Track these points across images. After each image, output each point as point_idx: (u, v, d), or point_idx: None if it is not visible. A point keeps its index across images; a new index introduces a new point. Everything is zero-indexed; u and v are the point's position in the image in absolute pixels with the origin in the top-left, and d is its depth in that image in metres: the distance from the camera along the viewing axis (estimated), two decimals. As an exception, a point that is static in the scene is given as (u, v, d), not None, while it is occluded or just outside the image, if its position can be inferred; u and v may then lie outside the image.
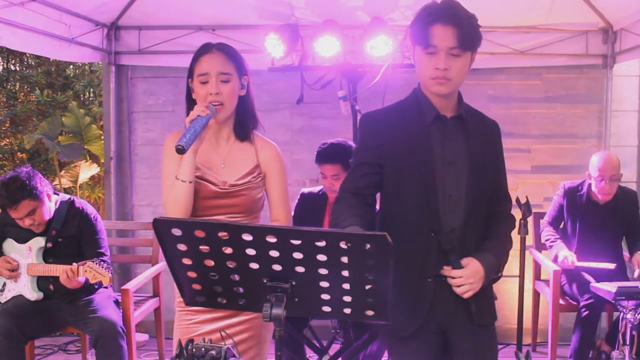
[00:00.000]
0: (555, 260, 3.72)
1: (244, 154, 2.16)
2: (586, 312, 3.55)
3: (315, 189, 3.62)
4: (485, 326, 2.05)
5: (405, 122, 2.00)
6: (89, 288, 3.28)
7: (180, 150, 1.88)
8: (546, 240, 3.89)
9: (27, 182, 3.10)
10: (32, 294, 3.26)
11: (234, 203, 2.10)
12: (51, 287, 3.27)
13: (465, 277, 1.92)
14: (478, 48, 1.96)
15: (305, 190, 3.64)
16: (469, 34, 1.88)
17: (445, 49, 1.88)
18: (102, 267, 3.09)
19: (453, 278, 1.94)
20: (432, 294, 1.97)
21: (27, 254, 3.26)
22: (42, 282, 3.28)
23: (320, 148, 3.46)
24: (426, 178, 1.95)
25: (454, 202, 1.96)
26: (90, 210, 3.39)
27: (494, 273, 2.00)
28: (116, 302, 3.42)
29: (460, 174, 1.97)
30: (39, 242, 3.26)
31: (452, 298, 1.97)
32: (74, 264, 3.10)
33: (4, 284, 3.31)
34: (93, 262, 3.11)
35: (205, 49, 2.11)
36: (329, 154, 3.39)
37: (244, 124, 2.17)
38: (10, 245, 3.31)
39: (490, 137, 2.08)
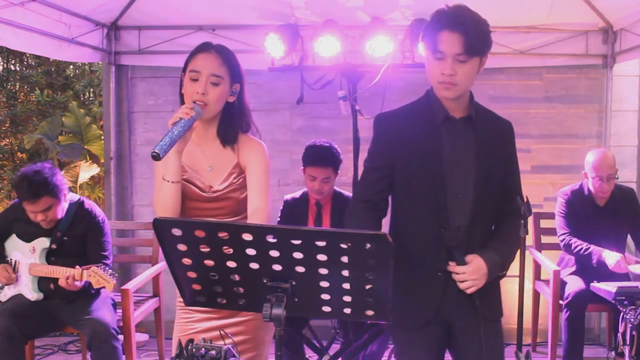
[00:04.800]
0: (597, 263, 3.57)
1: (227, 156, 2.13)
2: (568, 312, 3.57)
3: (297, 193, 3.59)
4: (491, 320, 2.09)
5: (417, 122, 2.06)
6: (89, 290, 3.25)
7: (155, 157, 1.82)
8: (578, 251, 3.69)
9: (50, 178, 3.06)
10: (32, 294, 3.25)
11: (220, 206, 2.10)
12: (51, 286, 3.25)
13: (469, 273, 1.99)
14: (488, 52, 2.00)
15: (288, 196, 3.60)
16: (475, 41, 1.92)
17: (451, 55, 1.92)
18: (107, 274, 3.06)
19: (457, 274, 2.00)
20: (442, 288, 2.03)
21: (30, 254, 3.24)
22: (43, 281, 3.26)
23: (311, 150, 3.41)
24: (435, 177, 2.01)
25: (461, 200, 2.01)
26: (99, 212, 3.37)
27: (497, 271, 2.05)
28: (113, 304, 3.40)
29: (467, 173, 2.02)
30: (43, 242, 3.24)
31: (458, 292, 2.02)
32: (78, 267, 3.07)
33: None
34: (98, 267, 3.08)
35: (204, 47, 2.10)
36: (322, 157, 3.34)
37: (226, 129, 2.12)
38: (13, 242, 3.29)
39: (501, 137, 2.12)
